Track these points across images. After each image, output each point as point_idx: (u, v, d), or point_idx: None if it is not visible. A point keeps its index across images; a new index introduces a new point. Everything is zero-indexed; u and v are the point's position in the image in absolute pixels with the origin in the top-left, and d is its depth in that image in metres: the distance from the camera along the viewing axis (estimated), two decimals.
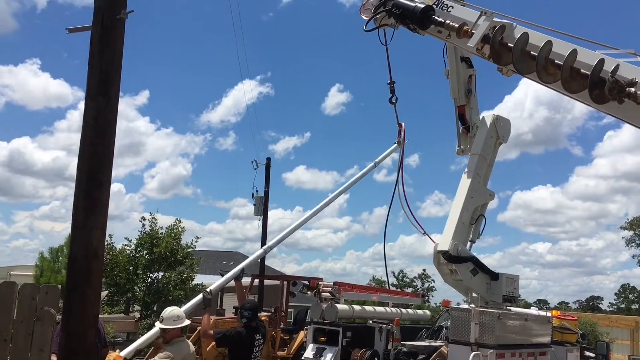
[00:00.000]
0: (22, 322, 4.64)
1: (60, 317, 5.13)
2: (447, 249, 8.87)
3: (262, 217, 24.81)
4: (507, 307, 8.65)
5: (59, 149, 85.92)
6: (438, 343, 8.16)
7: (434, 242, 9.00)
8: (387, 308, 8.81)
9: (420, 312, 9.80)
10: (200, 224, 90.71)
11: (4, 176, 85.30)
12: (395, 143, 10.60)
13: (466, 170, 9.85)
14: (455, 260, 8.91)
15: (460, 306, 9.56)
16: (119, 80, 4.73)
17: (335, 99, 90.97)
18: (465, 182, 9.67)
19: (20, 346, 4.61)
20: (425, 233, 9.75)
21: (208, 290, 6.81)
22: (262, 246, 24.86)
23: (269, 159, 24.98)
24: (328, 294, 7.56)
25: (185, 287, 21.96)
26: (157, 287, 21.44)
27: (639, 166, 75.84)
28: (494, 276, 9.30)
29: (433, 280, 62.56)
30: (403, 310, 9.01)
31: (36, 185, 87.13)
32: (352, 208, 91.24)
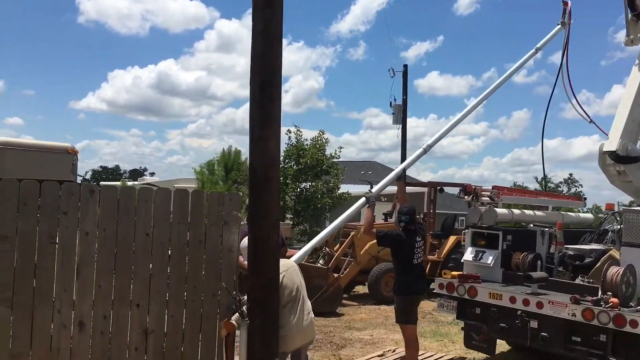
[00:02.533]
0: (213, 226, 5.15)
1: (244, 222, 5.62)
2: (614, 149, 8.27)
3: (401, 125, 24.76)
4: None
5: (200, 69, 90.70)
6: (603, 247, 7.82)
7: (604, 132, 8.41)
8: (547, 212, 8.53)
9: (582, 215, 9.38)
10: (334, 136, 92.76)
11: (155, 97, 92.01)
12: (558, 24, 9.71)
13: (637, 62, 8.92)
14: (623, 161, 8.30)
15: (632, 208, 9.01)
16: None
17: None
18: (636, 76, 8.79)
19: (212, 247, 5.14)
20: (592, 121, 9.13)
21: (369, 190, 6.99)
22: (401, 154, 24.94)
23: (406, 66, 24.38)
24: (487, 198, 7.45)
25: (332, 195, 22.86)
26: (306, 195, 22.53)
27: None
28: None
29: (580, 185, 59.28)
30: (564, 213, 8.67)
31: (183, 105, 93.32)
32: (489, 113, 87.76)
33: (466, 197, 7.73)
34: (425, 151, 7.53)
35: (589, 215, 9.78)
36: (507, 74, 8.94)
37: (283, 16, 4.76)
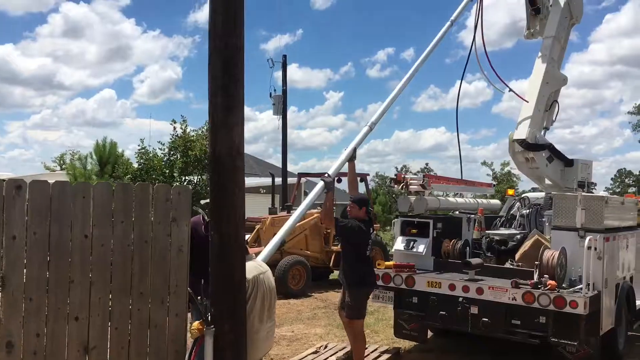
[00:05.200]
0: (160, 224, 4.55)
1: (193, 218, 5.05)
2: (524, 137, 8.68)
3: (281, 116, 24.68)
4: (582, 193, 8.55)
5: (44, 55, 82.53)
6: (518, 231, 8.14)
7: (524, 100, 8.76)
8: (466, 199, 8.76)
9: (492, 201, 9.78)
10: (194, 127, 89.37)
11: None
12: None
13: (540, 54, 9.41)
14: (532, 148, 8.73)
15: (532, 194, 9.51)
16: None
17: None
18: (540, 67, 9.27)
19: (161, 247, 4.55)
20: (511, 90, 9.43)
21: (326, 174, 6.65)
22: (283, 144, 24.69)
23: (285, 57, 24.54)
24: (418, 187, 7.45)
25: None
26: (195, 189, 21.59)
27: (636, 50, 74.26)
28: (569, 162, 9.18)
29: (436, 174, 62.90)
30: (479, 200, 8.96)
31: (25, 94, 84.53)
32: (346, 106, 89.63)
33: (396, 186, 7.67)
34: (370, 129, 7.42)
35: (497, 201, 10.22)
36: (430, 47, 8.98)
37: None
